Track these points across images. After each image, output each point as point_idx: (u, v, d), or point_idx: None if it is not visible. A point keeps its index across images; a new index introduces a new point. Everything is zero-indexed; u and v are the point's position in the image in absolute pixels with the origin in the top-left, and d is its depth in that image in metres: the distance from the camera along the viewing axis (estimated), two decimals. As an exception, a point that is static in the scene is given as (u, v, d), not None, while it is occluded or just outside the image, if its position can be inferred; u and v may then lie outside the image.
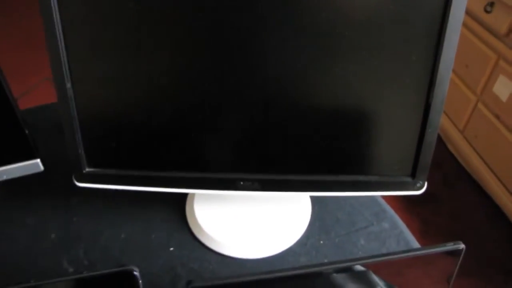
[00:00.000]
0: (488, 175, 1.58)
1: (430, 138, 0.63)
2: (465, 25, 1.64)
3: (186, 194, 0.77)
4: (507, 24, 1.43)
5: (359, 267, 0.51)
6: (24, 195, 0.78)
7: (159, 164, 0.65)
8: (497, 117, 1.51)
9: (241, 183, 0.65)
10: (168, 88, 0.60)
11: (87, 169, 0.65)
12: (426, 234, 1.55)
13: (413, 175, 0.66)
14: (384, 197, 0.79)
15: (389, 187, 0.67)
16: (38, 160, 0.69)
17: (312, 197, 0.78)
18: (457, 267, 0.51)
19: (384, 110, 0.62)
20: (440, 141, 1.86)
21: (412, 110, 0.62)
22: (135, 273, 0.48)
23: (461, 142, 1.72)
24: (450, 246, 0.50)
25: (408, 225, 1.50)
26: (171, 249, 0.69)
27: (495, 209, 1.59)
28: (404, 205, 1.64)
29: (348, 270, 0.51)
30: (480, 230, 1.57)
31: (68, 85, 0.59)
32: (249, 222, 0.72)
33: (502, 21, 1.45)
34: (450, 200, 1.68)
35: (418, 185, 0.67)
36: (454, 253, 0.50)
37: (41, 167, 0.69)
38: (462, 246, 0.50)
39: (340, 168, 0.66)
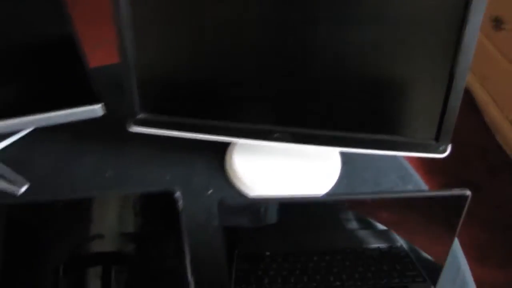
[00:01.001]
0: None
1: (454, 103, 0.67)
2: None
3: (226, 145, 0.85)
4: None
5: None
6: (84, 138, 0.89)
7: (205, 113, 0.73)
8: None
9: (275, 134, 0.72)
10: (217, 47, 0.68)
11: (141, 115, 0.74)
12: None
13: (436, 138, 0.70)
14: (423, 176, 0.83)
15: (413, 148, 0.72)
16: (100, 105, 0.78)
17: (342, 156, 0.83)
18: (463, 214, 0.56)
19: (411, 74, 0.67)
20: (487, 130, 1.85)
21: (437, 75, 0.66)
22: (176, 194, 0.55)
23: (510, 133, 1.70)
24: (456, 191, 0.54)
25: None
26: (210, 191, 0.77)
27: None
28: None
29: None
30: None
31: (130, 41, 0.68)
32: (281, 173, 0.79)
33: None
34: (493, 189, 1.67)
35: (441, 148, 0.71)
36: (460, 200, 0.55)
37: (101, 112, 0.79)
38: (468, 192, 0.54)
39: (367, 127, 0.72)
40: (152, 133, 0.74)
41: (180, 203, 0.55)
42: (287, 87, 0.70)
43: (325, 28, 0.64)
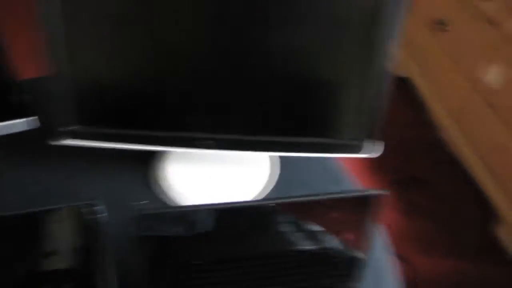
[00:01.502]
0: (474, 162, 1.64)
1: (380, 103, 0.68)
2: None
3: (157, 156, 0.84)
4: None
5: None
6: (6, 151, 0.86)
7: (130, 123, 0.72)
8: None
9: (198, 141, 0.72)
10: (145, 54, 0.68)
11: (68, 127, 0.72)
12: (409, 214, 1.60)
13: (366, 138, 0.72)
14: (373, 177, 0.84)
15: (343, 150, 0.73)
16: (25, 120, 0.76)
17: (280, 160, 0.84)
18: (379, 212, 0.57)
19: (335, 75, 0.68)
20: (432, 125, 1.91)
21: (361, 76, 0.67)
22: (97, 207, 0.54)
23: (452, 128, 1.77)
24: (374, 191, 0.56)
25: (393, 205, 1.56)
26: (141, 202, 0.77)
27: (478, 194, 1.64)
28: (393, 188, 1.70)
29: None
30: (460, 214, 1.63)
31: (57, 51, 0.66)
32: (214, 181, 0.79)
33: None
34: (437, 183, 1.73)
35: (371, 148, 0.72)
36: (378, 199, 0.57)
37: (33, 125, 0.76)
38: (384, 192, 0.56)
39: (294, 130, 0.73)
40: (78, 145, 0.73)
41: (103, 215, 0.54)
42: (212, 92, 0.70)
43: (250, 30, 0.65)
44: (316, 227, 0.60)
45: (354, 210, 0.59)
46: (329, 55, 0.67)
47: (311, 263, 0.64)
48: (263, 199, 0.76)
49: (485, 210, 1.59)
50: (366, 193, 0.57)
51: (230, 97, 0.70)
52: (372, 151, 0.73)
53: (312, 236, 0.61)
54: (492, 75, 1.53)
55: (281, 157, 0.85)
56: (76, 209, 0.54)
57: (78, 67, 0.68)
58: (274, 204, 0.58)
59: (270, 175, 0.82)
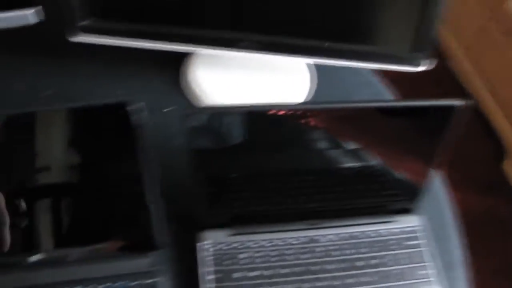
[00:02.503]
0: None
1: (433, 14, 0.61)
2: None
3: (184, 56, 0.76)
4: None
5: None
6: (17, 50, 0.76)
7: (160, 16, 0.63)
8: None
9: (241, 43, 0.64)
10: None
11: (85, 21, 0.63)
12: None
13: (413, 50, 0.65)
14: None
15: (388, 60, 0.66)
16: (33, 10, 0.66)
17: (313, 72, 0.77)
18: (453, 126, 0.51)
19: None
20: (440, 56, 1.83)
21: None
22: (135, 106, 0.48)
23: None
24: (445, 102, 0.49)
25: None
26: (167, 109, 0.70)
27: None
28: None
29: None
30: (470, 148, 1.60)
31: None
32: (247, 89, 0.72)
33: None
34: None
35: (417, 62, 0.66)
36: (450, 112, 0.50)
37: (36, 18, 0.67)
38: (460, 103, 0.49)
39: (339, 35, 0.65)
40: (98, 42, 0.64)
41: (143, 115, 0.47)
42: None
43: None
44: (362, 142, 0.54)
45: (416, 123, 0.53)
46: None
47: (355, 181, 0.58)
48: (316, 102, 0.69)
49: (495, 145, 1.56)
50: (433, 103, 0.50)
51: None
52: (416, 64, 0.66)
53: (355, 153, 0.55)
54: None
55: (319, 69, 0.77)
56: (120, 106, 0.48)
57: None
58: (324, 109, 0.51)
59: (309, 88, 0.75)
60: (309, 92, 0.75)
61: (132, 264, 0.54)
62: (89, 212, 0.54)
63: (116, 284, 0.53)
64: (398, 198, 0.60)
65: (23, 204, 0.50)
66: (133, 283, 0.53)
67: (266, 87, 0.73)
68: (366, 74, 0.79)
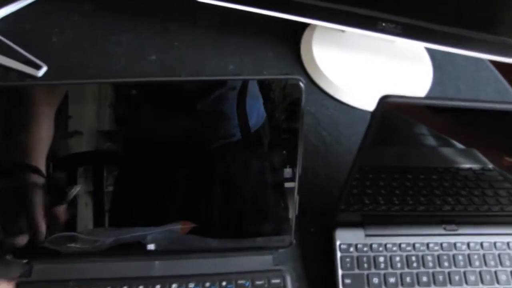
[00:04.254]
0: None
1: None
2: None
3: (301, 32, 0.69)
4: None
5: None
6: (117, 9, 0.70)
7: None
8: None
9: (383, 24, 0.57)
10: None
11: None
12: None
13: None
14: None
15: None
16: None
17: (433, 62, 0.70)
18: None
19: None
20: None
21: None
22: (300, 83, 0.43)
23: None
24: None
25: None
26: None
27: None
28: None
29: None
30: None
31: None
32: (371, 73, 0.66)
33: None
34: None
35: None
36: None
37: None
38: None
39: (485, 25, 0.58)
40: (213, 3, 0.57)
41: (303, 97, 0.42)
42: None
43: None
44: (484, 143, 0.47)
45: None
46: None
47: (477, 183, 0.52)
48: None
49: None
50: None
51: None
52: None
53: (469, 154, 0.48)
54: None
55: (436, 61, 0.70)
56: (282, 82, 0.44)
57: None
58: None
59: (429, 78, 0.69)
60: (431, 82, 0.68)
61: (256, 261, 0.49)
62: (227, 204, 0.48)
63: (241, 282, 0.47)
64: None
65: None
66: (259, 282, 0.48)
67: (389, 74, 0.66)
68: (488, 69, 0.73)
